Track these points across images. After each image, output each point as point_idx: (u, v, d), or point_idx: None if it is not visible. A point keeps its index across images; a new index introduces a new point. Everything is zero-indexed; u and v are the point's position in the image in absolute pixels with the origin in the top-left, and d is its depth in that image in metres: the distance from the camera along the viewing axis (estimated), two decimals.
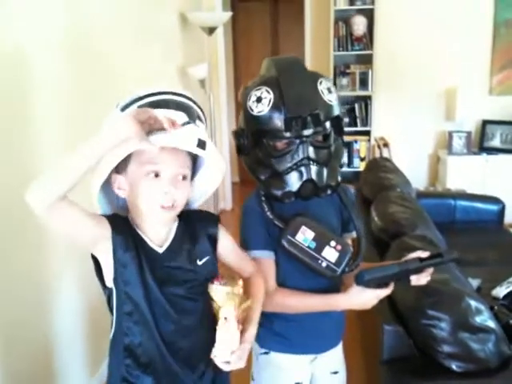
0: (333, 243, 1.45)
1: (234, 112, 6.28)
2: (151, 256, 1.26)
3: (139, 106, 1.21)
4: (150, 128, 1.14)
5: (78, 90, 2.36)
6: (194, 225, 1.35)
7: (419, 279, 1.50)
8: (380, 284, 1.45)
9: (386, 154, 5.02)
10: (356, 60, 5.38)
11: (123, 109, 1.23)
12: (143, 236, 1.27)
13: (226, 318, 1.24)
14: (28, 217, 2.03)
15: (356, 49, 5.26)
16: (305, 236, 1.45)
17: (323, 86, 1.43)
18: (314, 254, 1.45)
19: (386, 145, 5.17)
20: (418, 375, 1.86)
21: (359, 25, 5.12)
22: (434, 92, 5.40)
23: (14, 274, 2.00)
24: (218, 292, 1.30)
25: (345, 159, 5.42)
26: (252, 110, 1.43)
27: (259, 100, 1.41)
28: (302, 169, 1.41)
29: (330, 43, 5.21)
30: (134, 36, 3.21)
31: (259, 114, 1.41)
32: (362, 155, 5.45)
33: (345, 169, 5.41)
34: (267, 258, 1.51)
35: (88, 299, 2.47)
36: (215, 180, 1.38)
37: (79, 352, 2.50)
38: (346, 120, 5.40)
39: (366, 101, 5.36)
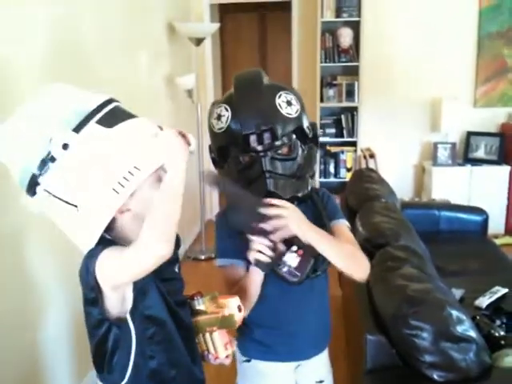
0: (294, 248, 1.45)
1: None
2: (157, 272, 1.21)
3: (98, 122, 1.11)
4: None
5: None
6: None
7: None
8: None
9: (371, 164, 5.06)
10: (342, 71, 5.43)
11: (77, 129, 1.10)
12: None
13: (239, 306, 1.30)
14: (12, 223, 2.03)
15: (342, 60, 5.31)
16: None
17: (282, 100, 1.46)
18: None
19: (372, 156, 5.22)
20: None
21: (345, 37, 5.18)
22: (419, 104, 5.46)
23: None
24: (204, 302, 1.34)
25: (331, 170, 5.46)
26: (214, 127, 1.49)
27: (219, 117, 1.47)
28: (266, 181, 1.44)
29: (317, 55, 5.25)
30: (121, 46, 3.21)
31: (219, 130, 1.47)
32: (349, 166, 5.48)
33: (331, 179, 5.45)
34: (231, 265, 1.54)
35: (74, 309, 2.46)
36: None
37: (65, 361, 2.49)
38: (333, 131, 5.44)
39: (352, 112, 5.41)
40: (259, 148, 1.44)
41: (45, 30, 2.30)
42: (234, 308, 1.30)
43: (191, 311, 1.34)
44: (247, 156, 1.46)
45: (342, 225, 1.58)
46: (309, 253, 1.46)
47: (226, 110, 1.46)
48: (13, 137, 1.14)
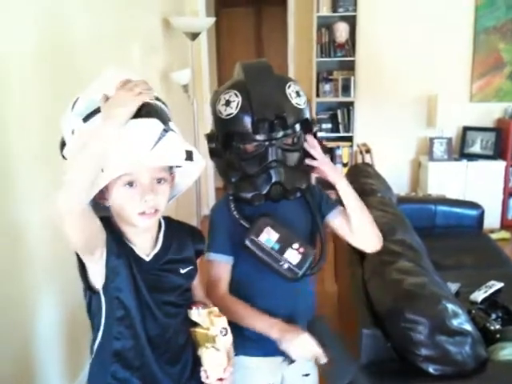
0: (296, 245, 1.47)
1: None
2: (139, 264, 1.27)
3: None
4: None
5: (54, 95, 2.32)
6: (182, 236, 1.38)
7: None
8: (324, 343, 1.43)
9: (368, 159, 5.06)
10: (338, 66, 5.42)
11: (86, 119, 1.19)
12: (130, 244, 1.27)
13: (224, 329, 1.29)
14: (7, 217, 2.01)
15: (338, 55, 5.30)
16: (269, 237, 1.47)
17: (291, 90, 1.45)
18: (276, 255, 1.46)
19: (368, 151, 5.21)
20: (396, 378, 1.87)
21: (342, 31, 5.16)
22: (415, 99, 5.46)
23: None
24: (201, 315, 1.34)
25: None
26: (221, 113, 1.46)
27: (228, 103, 1.44)
28: (271, 171, 1.43)
29: (313, 49, 5.24)
30: (115, 41, 3.19)
31: (228, 116, 1.44)
32: (345, 161, 5.48)
33: None
34: (223, 261, 1.54)
35: (67, 305, 2.45)
36: (192, 177, 1.38)
37: (58, 358, 2.47)
38: (329, 126, 5.44)
39: (348, 107, 5.40)
40: (272, 135, 1.42)
41: (36, 25, 2.27)
42: (217, 329, 1.29)
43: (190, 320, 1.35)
44: (253, 145, 1.44)
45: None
46: (309, 250, 1.47)
47: (236, 95, 1.43)
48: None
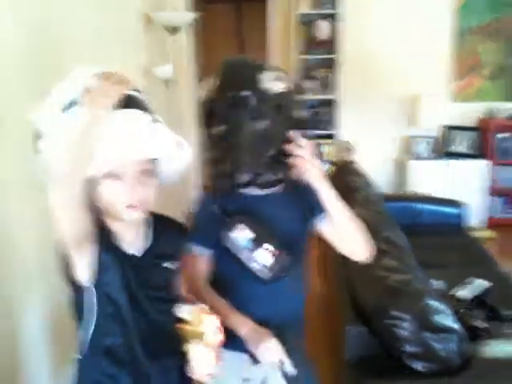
0: (269, 247, 1.44)
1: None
2: (128, 259, 1.26)
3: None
4: None
5: (33, 91, 2.26)
6: (170, 231, 1.38)
7: None
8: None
9: (351, 158, 5.04)
10: (320, 64, 5.40)
11: (65, 109, 1.16)
12: (118, 239, 1.26)
13: (215, 327, 1.29)
14: None
15: (320, 53, 5.28)
16: (243, 235, 1.44)
17: (265, 76, 1.44)
18: (248, 254, 1.44)
19: (351, 150, 5.20)
20: (382, 375, 1.86)
21: (323, 29, 5.15)
22: (398, 97, 5.45)
23: None
24: (190, 312, 1.33)
25: None
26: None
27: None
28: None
29: (294, 47, 5.21)
30: (94, 35, 3.13)
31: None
32: (328, 159, 5.45)
33: None
34: (202, 254, 1.52)
35: (55, 301, 2.39)
36: (180, 167, 1.36)
37: (44, 354, 2.43)
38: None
39: (330, 105, 5.38)
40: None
41: (11, 22, 2.20)
42: (208, 327, 1.29)
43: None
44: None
45: None
46: (283, 253, 1.44)
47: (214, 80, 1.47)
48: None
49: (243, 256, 1.45)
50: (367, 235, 1.53)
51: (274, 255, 1.43)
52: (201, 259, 1.53)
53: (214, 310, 1.45)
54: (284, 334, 1.47)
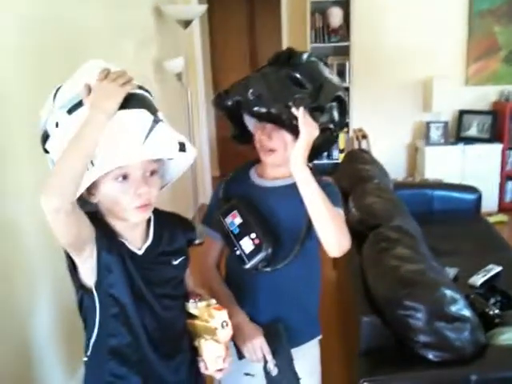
0: (253, 235, 1.44)
1: (210, 103, 6.22)
2: (132, 258, 1.24)
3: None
4: None
5: (42, 89, 2.28)
6: (173, 227, 1.36)
7: None
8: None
9: (364, 145, 5.03)
10: (334, 52, 5.37)
11: (70, 111, 1.15)
12: (120, 239, 1.25)
13: (225, 322, 1.27)
14: (1, 218, 1.99)
15: (333, 40, 5.26)
16: (232, 220, 1.48)
17: None
18: (233, 239, 1.47)
19: (364, 136, 5.18)
20: (395, 365, 1.87)
21: (335, 17, 5.12)
22: (410, 83, 5.42)
23: None
24: (199, 307, 1.33)
25: None
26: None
27: None
28: None
29: (307, 35, 5.19)
30: (106, 29, 3.15)
31: None
32: (341, 147, 5.45)
33: (324, 160, 5.41)
34: (210, 236, 1.60)
35: (64, 300, 2.43)
36: (182, 167, 1.35)
37: (57, 355, 2.47)
38: None
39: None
40: None
41: (25, 17, 2.24)
42: (218, 322, 1.27)
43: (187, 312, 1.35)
44: None
45: (336, 211, 1.45)
46: (266, 245, 1.43)
47: None
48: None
49: (228, 240, 1.49)
50: (342, 231, 1.41)
51: (254, 244, 1.43)
52: (209, 240, 1.60)
53: (212, 292, 1.48)
54: (277, 332, 1.48)
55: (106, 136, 1.10)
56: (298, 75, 1.41)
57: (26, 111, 2.15)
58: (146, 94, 1.24)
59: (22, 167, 2.12)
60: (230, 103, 1.48)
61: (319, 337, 1.66)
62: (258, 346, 1.44)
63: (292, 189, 1.41)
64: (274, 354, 1.45)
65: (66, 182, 1.05)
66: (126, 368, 1.26)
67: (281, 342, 1.47)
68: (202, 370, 1.34)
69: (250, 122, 1.55)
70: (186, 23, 4.47)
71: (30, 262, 2.24)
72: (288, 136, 1.42)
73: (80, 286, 1.23)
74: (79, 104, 1.15)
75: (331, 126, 1.47)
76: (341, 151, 5.45)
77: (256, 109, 1.41)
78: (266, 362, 1.45)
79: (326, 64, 1.53)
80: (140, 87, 1.23)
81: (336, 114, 1.49)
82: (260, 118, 1.44)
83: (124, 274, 1.22)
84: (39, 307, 2.31)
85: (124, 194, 1.18)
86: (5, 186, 2.06)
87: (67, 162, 1.06)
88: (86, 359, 1.31)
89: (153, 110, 1.19)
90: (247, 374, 1.58)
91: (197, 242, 1.45)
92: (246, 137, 1.58)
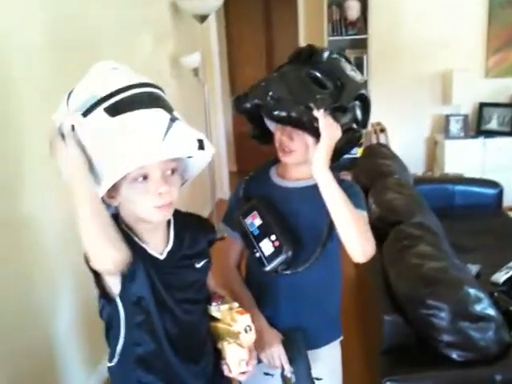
0: (273, 237, 1.41)
1: (228, 100, 6.21)
2: (154, 264, 1.22)
3: (105, 109, 1.12)
4: None
5: (63, 86, 2.28)
6: (193, 229, 1.33)
7: None
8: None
9: (382, 139, 4.98)
10: (351, 45, 5.32)
11: (86, 114, 1.12)
12: (141, 244, 1.23)
13: (248, 327, 1.26)
14: (20, 215, 2.01)
15: (350, 33, 5.20)
16: (253, 221, 1.46)
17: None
18: (253, 241, 1.44)
19: (382, 130, 5.13)
20: (418, 365, 1.86)
21: (353, 9, 5.06)
22: (429, 75, 5.36)
23: (10, 273, 1.98)
24: (221, 310, 1.31)
25: None
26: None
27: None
28: None
29: (324, 28, 5.14)
30: (122, 26, 3.15)
31: None
32: (360, 141, 5.40)
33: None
34: (230, 235, 1.59)
35: (84, 297, 2.44)
36: (201, 164, 1.33)
37: (78, 350, 2.49)
38: None
39: None
40: None
41: (44, 14, 2.24)
42: (241, 327, 1.26)
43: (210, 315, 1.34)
44: None
45: (359, 213, 1.41)
46: (286, 248, 1.40)
47: None
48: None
49: (247, 242, 1.46)
50: (366, 235, 1.37)
51: (274, 246, 1.41)
52: (230, 240, 1.58)
53: (232, 294, 1.46)
54: (296, 340, 1.46)
55: (124, 137, 1.09)
56: (318, 74, 1.38)
57: (42, 110, 2.15)
58: (161, 92, 1.22)
59: (38, 166, 2.13)
60: (249, 106, 1.46)
61: (340, 338, 1.64)
62: (276, 355, 1.43)
63: (314, 189, 1.38)
64: (292, 361, 1.44)
65: (100, 244, 1.06)
66: (153, 376, 1.25)
67: (299, 350, 1.46)
68: (226, 372, 1.33)
69: (270, 123, 1.53)
70: (203, 18, 4.45)
71: (48, 259, 2.25)
72: (309, 138, 1.38)
73: (102, 295, 1.21)
74: (94, 105, 1.12)
75: (354, 125, 1.43)
76: (359, 146, 5.39)
77: (276, 113, 1.38)
78: (283, 368, 1.44)
79: (348, 61, 1.49)
80: (154, 85, 1.20)
81: (359, 113, 1.44)
82: (280, 121, 1.41)
83: (148, 281, 1.20)
84: (60, 304, 2.33)
85: (145, 194, 1.16)
86: (22, 185, 2.07)
87: (85, 231, 1.06)
88: (111, 365, 1.30)
89: (169, 109, 1.17)
90: (267, 374, 1.57)
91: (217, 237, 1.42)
92: (266, 136, 1.56)
